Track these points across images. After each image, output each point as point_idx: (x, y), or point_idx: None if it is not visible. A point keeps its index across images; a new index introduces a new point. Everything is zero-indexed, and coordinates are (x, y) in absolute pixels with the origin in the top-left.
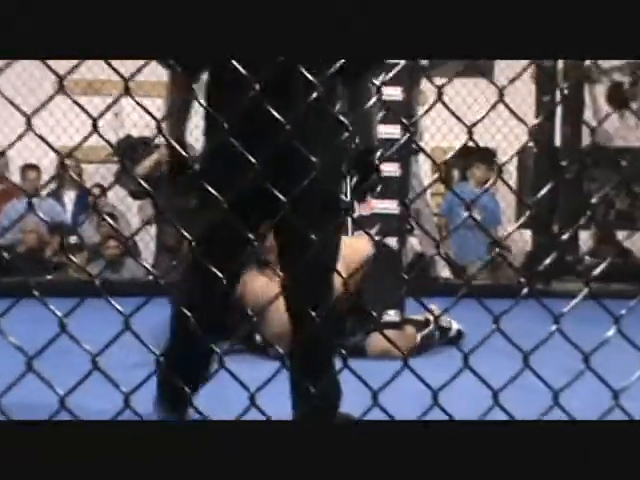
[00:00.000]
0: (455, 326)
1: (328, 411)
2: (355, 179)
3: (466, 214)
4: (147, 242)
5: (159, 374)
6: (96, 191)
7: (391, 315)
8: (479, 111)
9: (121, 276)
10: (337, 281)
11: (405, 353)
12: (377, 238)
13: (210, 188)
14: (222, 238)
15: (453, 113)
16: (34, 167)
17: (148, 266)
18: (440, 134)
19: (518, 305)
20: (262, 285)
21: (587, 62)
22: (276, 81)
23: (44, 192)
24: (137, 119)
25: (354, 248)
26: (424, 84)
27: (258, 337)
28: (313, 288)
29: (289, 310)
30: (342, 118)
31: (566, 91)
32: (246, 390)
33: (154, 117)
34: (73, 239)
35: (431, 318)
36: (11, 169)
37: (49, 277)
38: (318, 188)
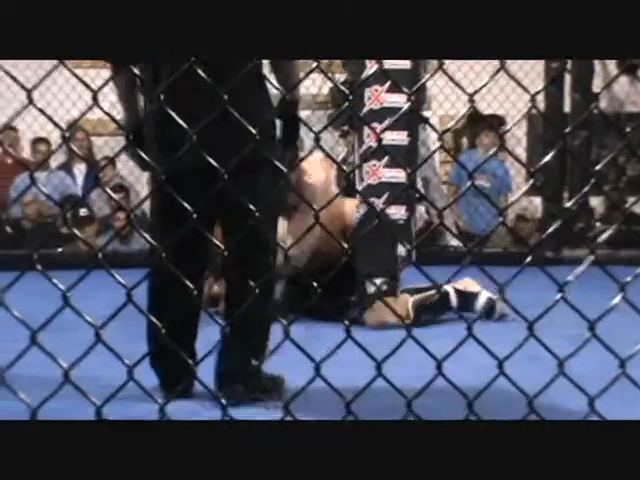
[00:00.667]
0: (484, 295)
1: (249, 371)
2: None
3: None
4: None
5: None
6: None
7: (377, 284)
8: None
9: (130, 247)
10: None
11: (403, 321)
12: (381, 206)
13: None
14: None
15: (453, 80)
16: (44, 140)
17: (149, 239)
18: (448, 102)
19: (530, 273)
20: None
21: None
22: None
23: (54, 165)
24: None
25: (338, 209)
26: None
27: None
28: (246, 255)
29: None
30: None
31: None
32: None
33: (91, 89)
34: (83, 211)
35: (445, 286)
36: (23, 143)
37: (60, 250)
38: (248, 151)
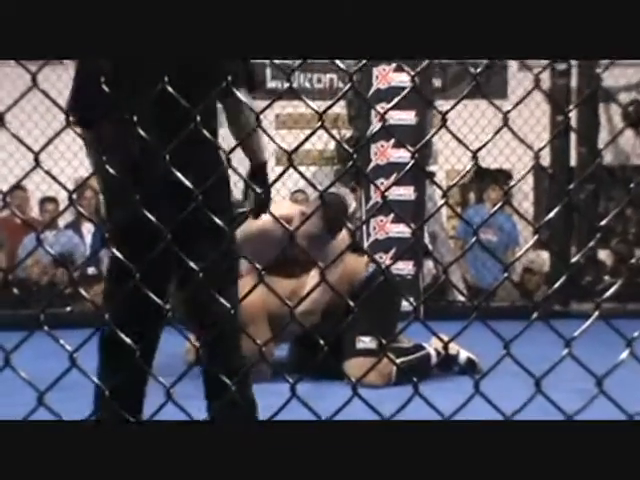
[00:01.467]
0: (464, 354)
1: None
2: (251, 195)
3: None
4: None
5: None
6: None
7: (365, 342)
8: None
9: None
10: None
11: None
12: (388, 262)
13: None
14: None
15: (456, 138)
16: (52, 200)
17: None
18: (455, 156)
19: (537, 328)
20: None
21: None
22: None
23: (62, 223)
24: None
25: (349, 268)
26: (438, 107)
27: None
28: (208, 311)
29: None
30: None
31: (573, 113)
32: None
33: (66, 188)
34: (91, 270)
35: (426, 346)
36: (32, 202)
37: (68, 309)
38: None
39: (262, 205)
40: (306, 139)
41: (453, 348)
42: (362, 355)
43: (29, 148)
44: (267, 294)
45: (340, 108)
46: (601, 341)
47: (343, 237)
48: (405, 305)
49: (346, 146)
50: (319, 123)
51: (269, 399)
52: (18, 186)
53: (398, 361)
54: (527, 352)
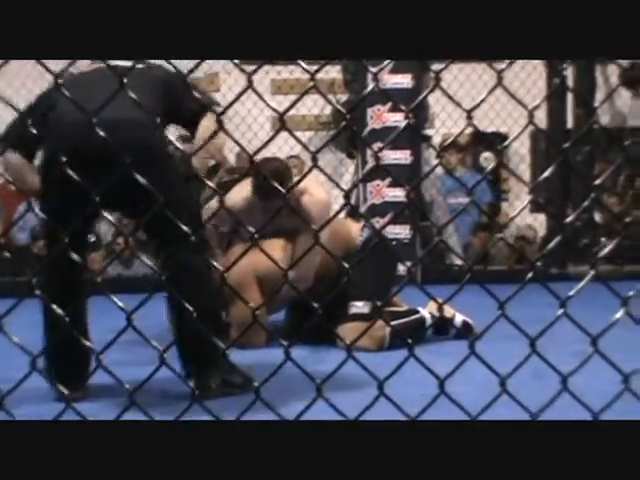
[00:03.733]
0: (460, 318)
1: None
2: None
3: (452, 201)
4: None
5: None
6: None
7: (358, 307)
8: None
9: (135, 272)
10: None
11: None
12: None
13: None
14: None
15: (451, 98)
16: None
17: (150, 263)
18: (451, 120)
19: (533, 290)
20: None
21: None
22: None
23: None
24: None
25: (342, 231)
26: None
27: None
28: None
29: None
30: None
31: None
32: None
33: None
34: (90, 237)
35: (421, 310)
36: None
37: None
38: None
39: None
40: (299, 98)
41: (449, 312)
42: (355, 320)
43: (15, 108)
44: (256, 262)
45: (336, 73)
46: (598, 303)
47: (330, 198)
48: (402, 269)
49: (340, 107)
50: (312, 84)
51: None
52: None
53: (388, 328)
54: (523, 314)
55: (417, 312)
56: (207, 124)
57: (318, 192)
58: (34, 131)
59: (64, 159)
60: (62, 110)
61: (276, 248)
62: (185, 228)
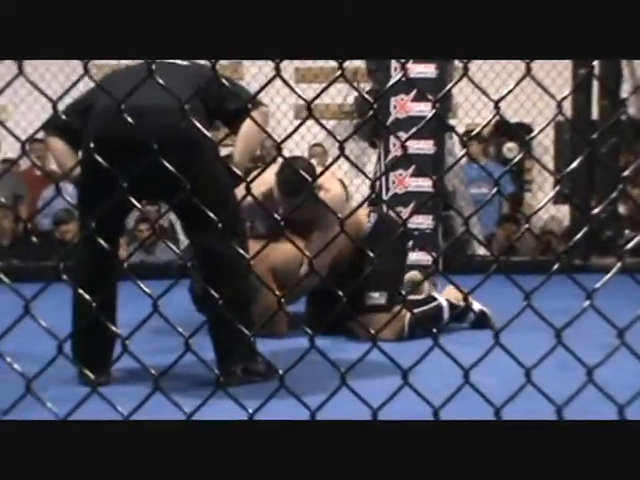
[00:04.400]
0: (477, 306)
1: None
2: None
3: (475, 191)
4: None
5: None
6: None
7: (374, 298)
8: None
9: (157, 258)
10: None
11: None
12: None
13: None
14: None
15: (478, 87)
16: None
17: (175, 248)
18: (475, 110)
19: (558, 282)
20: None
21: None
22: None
23: None
24: None
25: (351, 221)
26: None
27: None
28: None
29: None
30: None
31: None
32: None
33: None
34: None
35: (438, 297)
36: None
37: None
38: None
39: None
40: (325, 88)
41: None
42: (372, 311)
43: (48, 97)
44: (269, 254)
45: (360, 61)
46: (624, 295)
47: (345, 193)
48: (423, 259)
49: (366, 95)
50: (338, 73)
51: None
52: (37, 138)
53: (408, 316)
54: (548, 305)
55: (435, 299)
56: (251, 124)
57: (334, 187)
58: (77, 120)
59: (99, 146)
60: (103, 102)
61: (288, 245)
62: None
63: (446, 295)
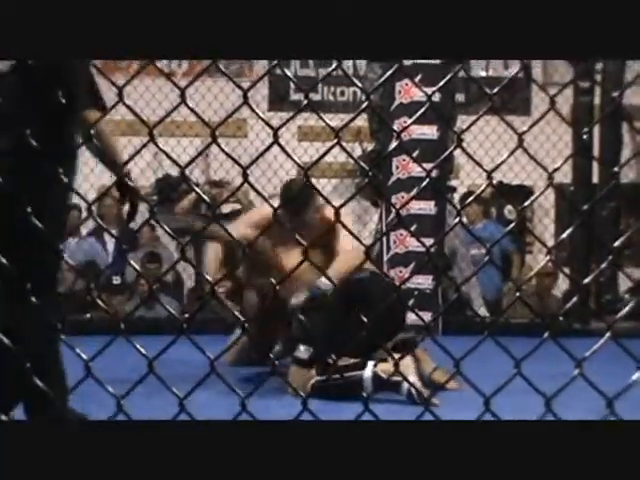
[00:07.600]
0: (406, 386)
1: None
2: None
3: (475, 252)
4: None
5: None
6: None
7: (300, 351)
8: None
9: (157, 313)
10: None
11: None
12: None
13: None
14: None
15: (472, 158)
16: (74, 207)
17: (169, 308)
18: (475, 172)
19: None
20: None
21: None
22: None
23: (85, 231)
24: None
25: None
26: (460, 122)
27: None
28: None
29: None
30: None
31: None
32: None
33: (177, 163)
34: (115, 279)
35: (368, 368)
36: None
37: (87, 316)
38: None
39: (133, 207)
40: (321, 157)
41: (407, 371)
42: (294, 363)
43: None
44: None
45: (363, 121)
46: (619, 360)
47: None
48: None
49: (361, 163)
50: (335, 139)
51: None
52: None
53: (317, 379)
54: (542, 369)
55: (361, 368)
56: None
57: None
58: None
59: None
60: None
61: (297, 257)
62: None
63: (385, 365)
